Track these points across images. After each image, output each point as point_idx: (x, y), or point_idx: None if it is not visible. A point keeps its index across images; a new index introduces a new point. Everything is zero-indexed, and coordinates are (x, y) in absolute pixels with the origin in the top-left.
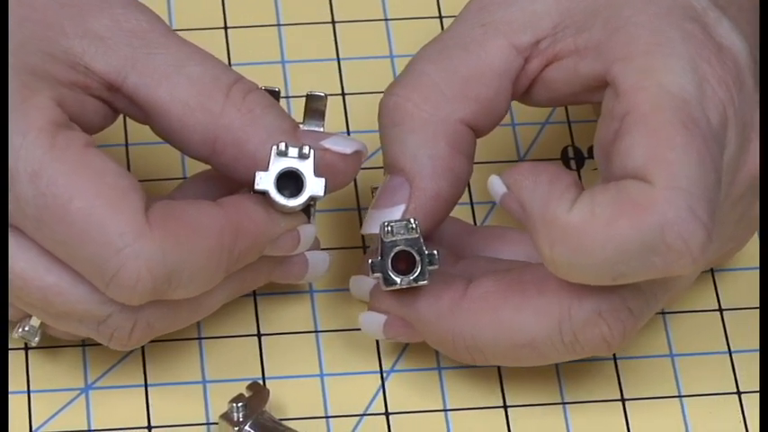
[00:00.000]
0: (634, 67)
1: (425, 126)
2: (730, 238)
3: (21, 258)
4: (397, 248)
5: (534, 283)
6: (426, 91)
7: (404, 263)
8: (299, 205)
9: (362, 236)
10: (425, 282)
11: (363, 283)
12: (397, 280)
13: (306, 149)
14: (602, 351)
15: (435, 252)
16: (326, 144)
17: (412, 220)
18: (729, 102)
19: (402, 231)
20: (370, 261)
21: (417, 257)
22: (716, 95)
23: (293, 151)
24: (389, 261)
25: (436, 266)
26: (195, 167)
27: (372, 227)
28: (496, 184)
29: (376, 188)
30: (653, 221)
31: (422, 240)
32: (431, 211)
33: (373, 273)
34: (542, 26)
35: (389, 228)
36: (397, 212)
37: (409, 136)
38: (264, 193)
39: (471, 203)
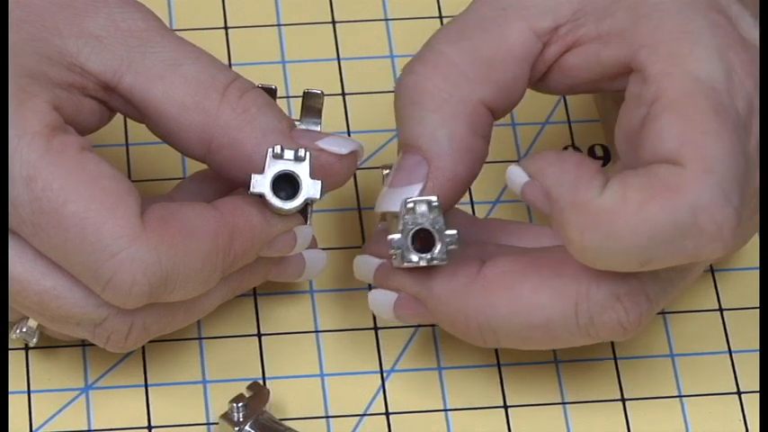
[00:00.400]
0: (662, 54)
1: (445, 106)
2: (739, 234)
3: (17, 262)
4: (418, 226)
5: (552, 264)
6: (446, 70)
7: (423, 241)
8: (295, 208)
9: (362, 235)
10: (445, 261)
11: (368, 263)
12: (416, 258)
13: (302, 152)
14: (617, 336)
15: (455, 232)
16: (322, 144)
17: (434, 199)
18: (755, 93)
19: (424, 209)
20: (389, 237)
21: (437, 236)
22: (743, 85)
23: (289, 154)
24: (410, 238)
25: (455, 246)
26: (195, 168)
27: (388, 204)
28: (517, 174)
29: (387, 167)
30: (686, 204)
31: (443, 219)
32: (448, 192)
33: (392, 249)
34: (562, 12)
35: (412, 204)
36: (413, 191)
37: (428, 115)
38: (260, 196)
39: (471, 203)
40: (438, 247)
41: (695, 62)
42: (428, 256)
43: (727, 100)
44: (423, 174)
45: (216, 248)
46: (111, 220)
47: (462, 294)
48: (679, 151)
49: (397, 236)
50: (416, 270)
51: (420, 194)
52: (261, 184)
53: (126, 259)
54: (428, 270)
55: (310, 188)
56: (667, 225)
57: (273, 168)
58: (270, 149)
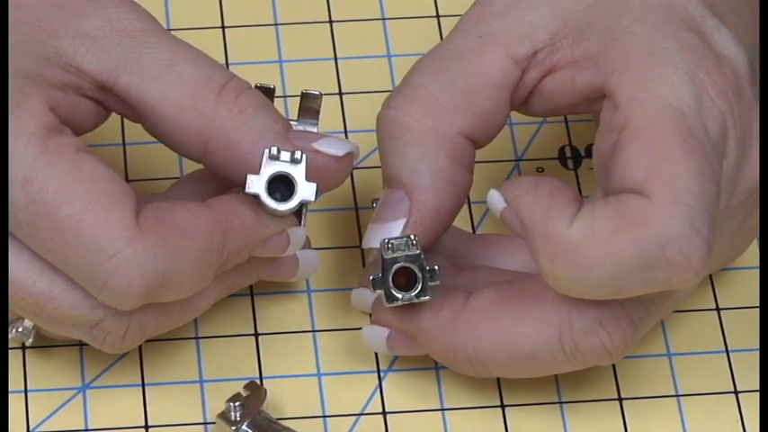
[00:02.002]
0: (631, 79)
1: (424, 139)
2: (729, 247)
3: (13, 264)
4: (398, 265)
5: (534, 293)
6: (425, 104)
7: (405, 279)
8: (289, 210)
9: (359, 234)
10: (427, 297)
11: (365, 296)
12: (399, 296)
13: (298, 154)
14: (603, 360)
15: (436, 267)
16: (318, 146)
17: (412, 237)
18: (729, 112)
19: (402, 248)
20: (371, 278)
21: (418, 274)
22: (715, 106)
23: (285, 155)
24: (390, 278)
25: (437, 282)
26: (192, 167)
27: (373, 241)
28: (496, 199)
29: (376, 199)
30: (653, 237)
31: (422, 256)
32: (431, 225)
33: (375, 289)
34: (540, 37)
35: (390, 245)
36: (397, 227)
37: (408, 149)
38: (255, 197)
39: (468, 203)
40: (419, 285)
41: (664, 87)
42: (410, 294)
43: (696, 124)
44: (405, 209)
45: (210, 247)
46: (108, 222)
47: (449, 329)
48: (646, 182)
49: (378, 275)
50: (403, 307)
51: (404, 229)
52: (256, 184)
53: (122, 261)
54: (415, 306)
55: (305, 190)
56: (635, 258)
57: (269, 169)
58: (266, 150)
